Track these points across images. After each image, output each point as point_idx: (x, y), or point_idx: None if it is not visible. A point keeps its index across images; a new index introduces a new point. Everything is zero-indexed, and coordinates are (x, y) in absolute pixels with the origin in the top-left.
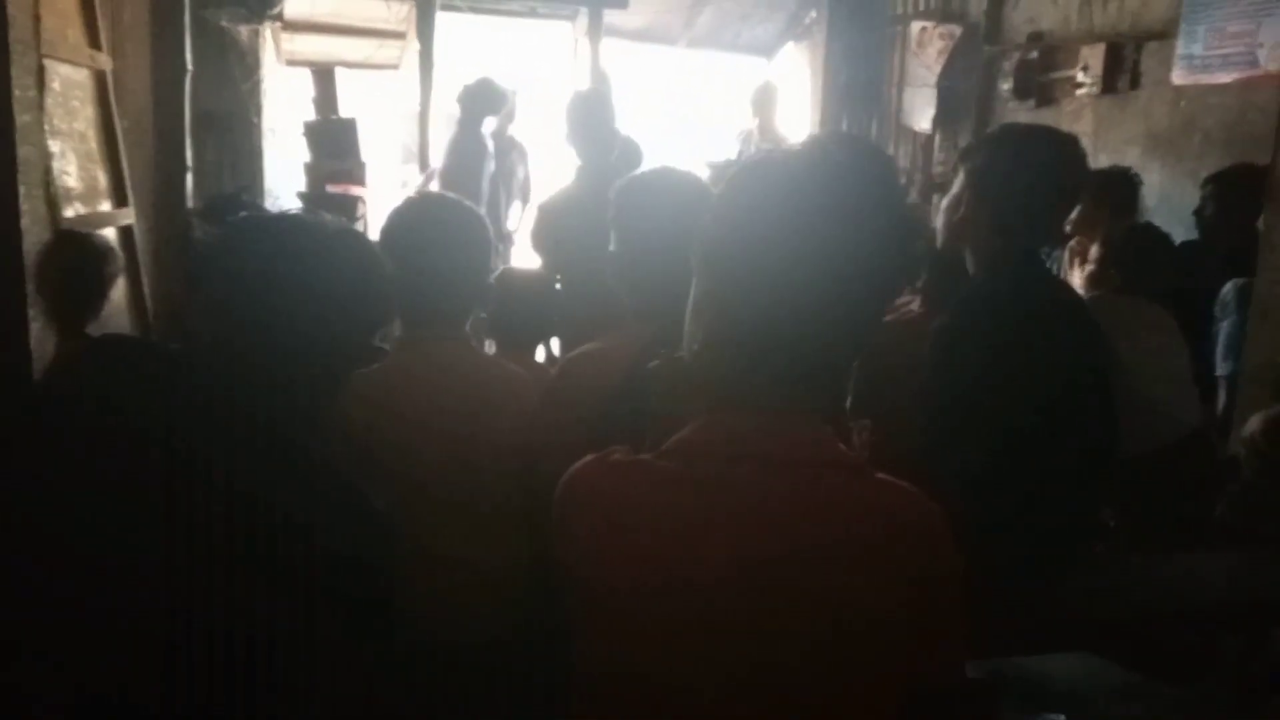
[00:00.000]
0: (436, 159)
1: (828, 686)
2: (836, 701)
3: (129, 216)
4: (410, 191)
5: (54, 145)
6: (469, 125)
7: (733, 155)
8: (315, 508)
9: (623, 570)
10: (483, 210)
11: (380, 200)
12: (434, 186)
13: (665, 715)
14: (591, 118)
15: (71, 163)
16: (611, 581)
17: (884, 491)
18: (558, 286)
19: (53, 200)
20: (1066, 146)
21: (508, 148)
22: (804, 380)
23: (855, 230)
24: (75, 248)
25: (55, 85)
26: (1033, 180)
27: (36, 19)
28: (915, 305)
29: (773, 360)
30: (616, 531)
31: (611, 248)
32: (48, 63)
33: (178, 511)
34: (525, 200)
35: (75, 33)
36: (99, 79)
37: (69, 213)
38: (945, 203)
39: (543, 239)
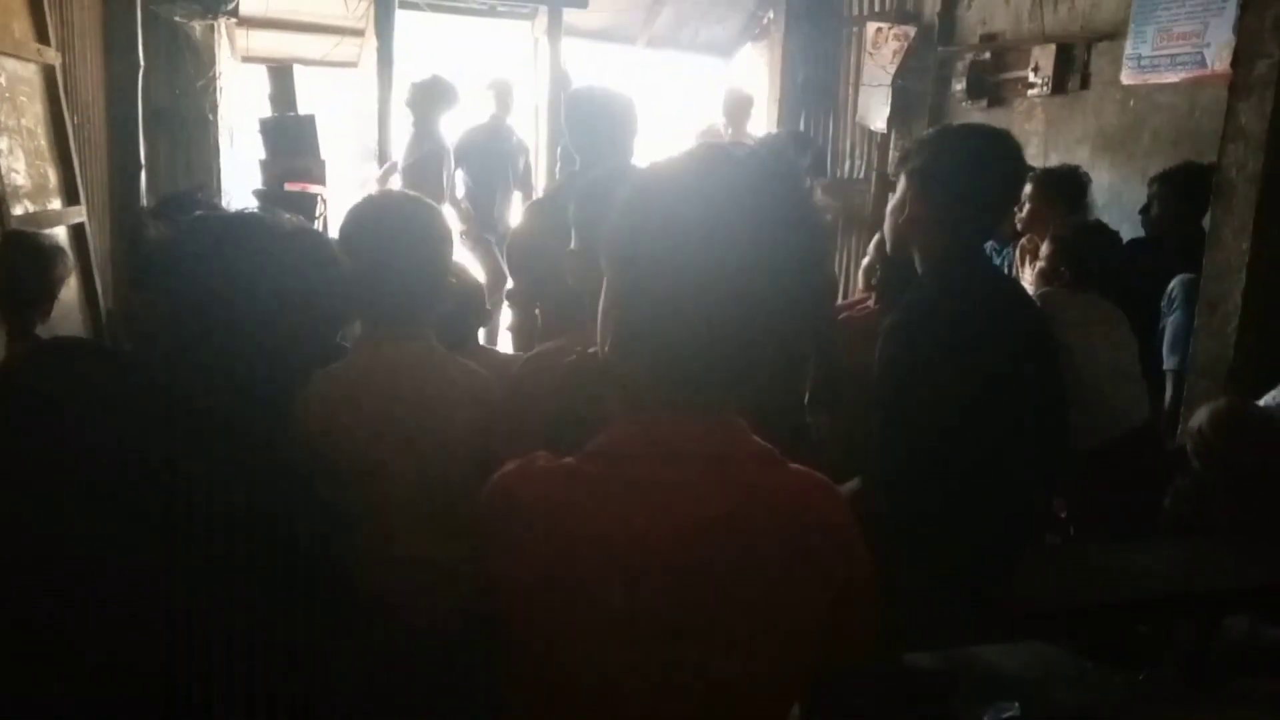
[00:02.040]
0: (396, 156)
1: (748, 674)
2: (756, 688)
3: (80, 215)
4: (370, 189)
5: (1, 142)
6: (424, 124)
7: None
8: (268, 504)
9: (549, 573)
10: (443, 208)
11: (339, 198)
12: (395, 180)
13: (594, 712)
14: (589, 118)
15: (20, 160)
16: (538, 585)
17: (796, 480)
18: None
19: (0, 198)
20: (1003, 143)
21: (508, 136)
22: (713, 380)
23: (757, 232)
24: (22, 249)
25: (1, 80)
26: (972, 178)
27: None
28: (870, 303)
29: (679, 362)
30: (542, 535)
31: (571, 246)
32: None
33: (129, 516)
34: (526, 191)
35: (22, 27)
36: (48, 74)
37: (18, 210)
38: (890, 206)
39: (520, 268)
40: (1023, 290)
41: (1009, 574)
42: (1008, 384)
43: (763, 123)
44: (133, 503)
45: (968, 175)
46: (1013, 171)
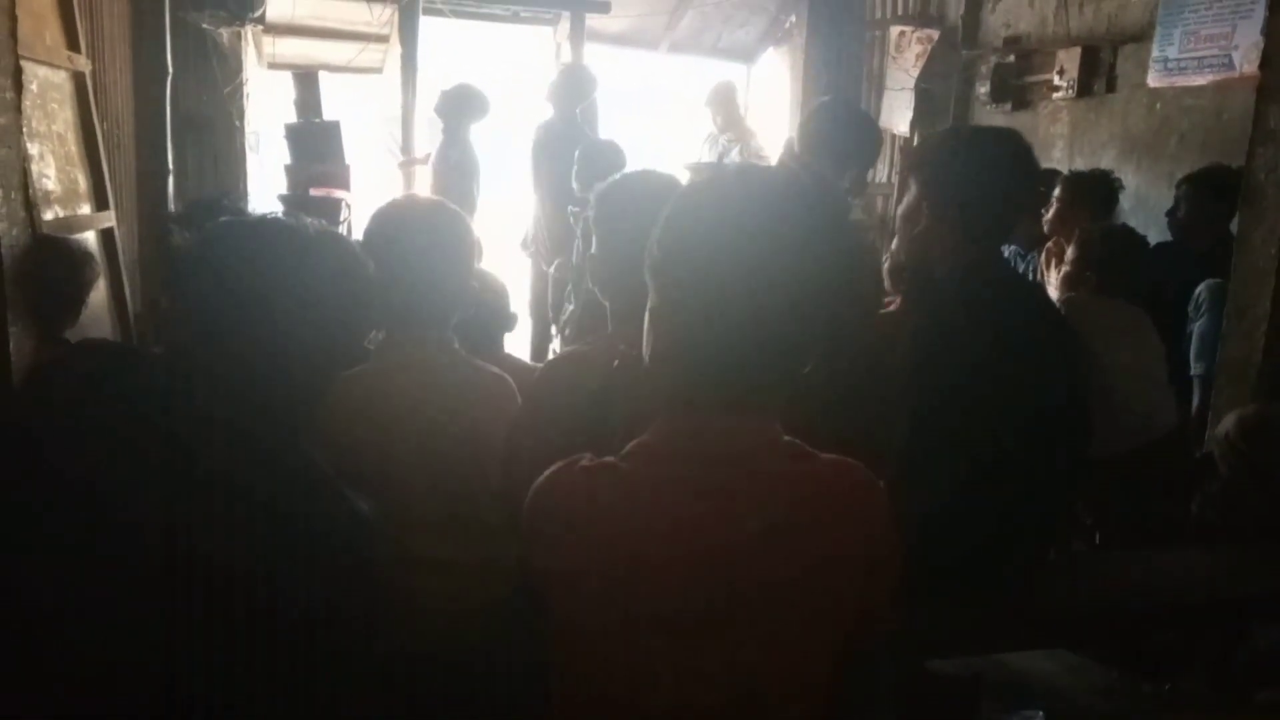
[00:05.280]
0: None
1: (777, 663)
2: (785, 675)
3: (109, 219)
4: (395, 180)
5: (32, 147)
6: (453, 133)
7: (713, 158)
8: (301, 511)
9: (594, 568)
10: (471, 217)
11: (364, 203)
12: (428, 176)
13: (638, 705)
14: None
15: (50, 165)
16: (584, 580)
17: (827, 469)
18: None
19: (31, 203)
20: (1011, 143)
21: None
22: (751, 386)
23: (796, 251)
24: (52, 254)
25: (33, 87)
26: (981, 181)
27: (12, 19)
28: (895, 304)
29: (719, 369)
30: (587, 532)
31: (592, 250)
32: (25, 64)
33: (164, 518)
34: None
35: (53, 34)
36: (78, 81)
37: (48, 215)
38: (901, 212)
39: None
40: (1042, 292)
41: (1031, 579)
42: (1027, 387)
43: (785, 127)
44: (160, 504)
45: (976, 179)
46: (1022, 171)
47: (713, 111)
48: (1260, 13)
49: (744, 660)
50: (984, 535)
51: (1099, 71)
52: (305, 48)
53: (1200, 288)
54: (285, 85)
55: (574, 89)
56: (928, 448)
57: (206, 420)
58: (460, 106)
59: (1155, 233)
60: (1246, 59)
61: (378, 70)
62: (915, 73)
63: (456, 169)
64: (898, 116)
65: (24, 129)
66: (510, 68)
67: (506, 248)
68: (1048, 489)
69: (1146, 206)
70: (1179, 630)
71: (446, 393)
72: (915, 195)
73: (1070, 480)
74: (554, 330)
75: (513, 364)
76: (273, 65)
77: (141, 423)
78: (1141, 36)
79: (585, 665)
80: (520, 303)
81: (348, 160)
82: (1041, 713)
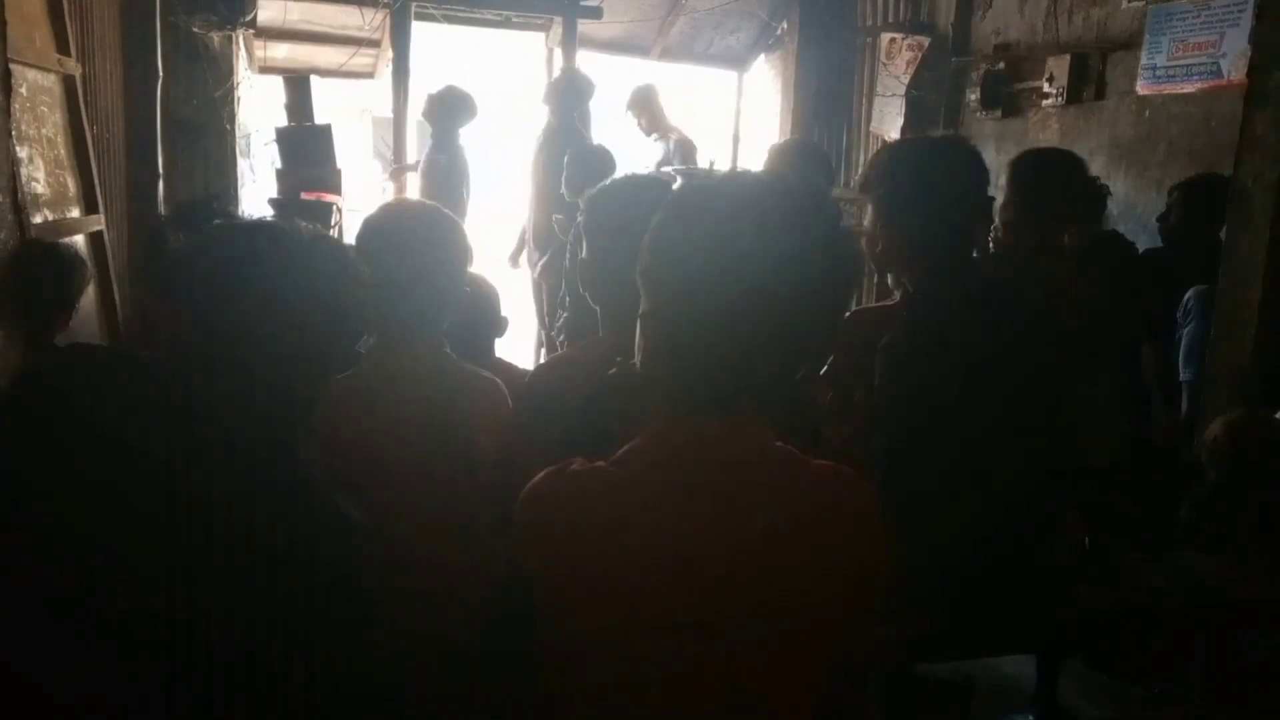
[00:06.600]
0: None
1: (772, 669)
2: (779, 681)
3: (99, 223)
4: (386, 190)
5: (21, 151)
6: (442, 136)
7: (705, 164)
8: (290, 516)
9: (584, 573)
10: (461, 220)
11: (355, 207)
12: (415, 183)
13: (630, 708)
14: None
15: (40, 169)
16: (575, 583)
17: (819, 476)
18: None
19: (20, 206)
20: (955, 150)
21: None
22: (742, 392)
23: (787, 256)
24: (41, 257)
25: (22, 90)
26: (934, 193)
27: (2, 23)
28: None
29: (711, 374)
30: (577, 536)
31: (582, 255)
32: (14, 67)
33: (153, 523)
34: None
35: (43, 37)
36: (68, 84)
37: (37, 219)
38: (865, 234)
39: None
40: (1013, 294)
41: (1022, 583)
42: (998, 396)
43: (774, 133)
44: (150, 509)
45: (928, 191)
46: (970, 176)
47: (634, 116)
48: (1248, 21)
49: (736, 664)
50: (973, 541)
51: (1088, 78)
52: (297, 52)
53: (1189, 294)
54: (276, 89)
55: (571, 93)
56: (907, 455)
57: (198, 425)
58: (448, 110)
59: (1144, 239)
60: (1234, 67)
61: (370, 75)
62: (906, 79)
63: (445, 172)
64: (888, 123)
65: (13, 132)
66: (502, 73)
67: (499, 252)
68: (1028, 493)
69: (1135, 213)
70: (1169, 634)
71: (438, 397)
72: (871, 215)
73: (1055, 485)
74: (544, 337)
75: (505, 368)
76: (264, 69)
77: (132, 428)
78: (1130, 44)
79: (577, 669)
80: (515, 313)
81: (339, 164)
82: (1032, 716)
